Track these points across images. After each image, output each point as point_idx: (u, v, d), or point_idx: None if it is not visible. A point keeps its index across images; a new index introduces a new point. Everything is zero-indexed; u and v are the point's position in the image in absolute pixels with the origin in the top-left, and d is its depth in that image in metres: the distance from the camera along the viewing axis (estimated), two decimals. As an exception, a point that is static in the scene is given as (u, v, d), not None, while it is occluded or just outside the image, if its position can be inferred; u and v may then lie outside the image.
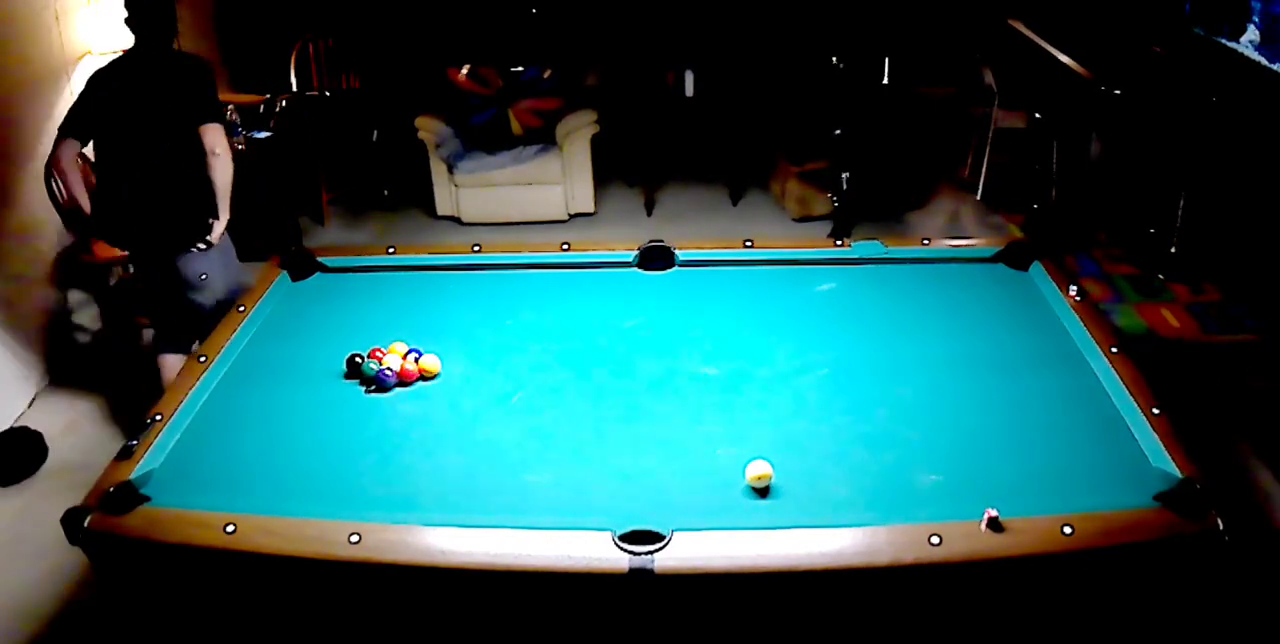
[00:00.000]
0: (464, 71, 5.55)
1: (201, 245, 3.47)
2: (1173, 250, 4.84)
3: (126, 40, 3.60)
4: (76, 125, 3.37)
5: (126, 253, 3.80)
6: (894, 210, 5.48)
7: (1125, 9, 5.52)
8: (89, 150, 3.48)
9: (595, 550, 2.06)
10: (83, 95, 3.42)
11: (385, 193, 5.87)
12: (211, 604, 2.33)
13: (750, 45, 5.99)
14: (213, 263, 3.53)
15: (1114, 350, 2.68)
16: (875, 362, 2.76)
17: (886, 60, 5.22)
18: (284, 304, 3.12)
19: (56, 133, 3.39)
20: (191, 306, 3.55)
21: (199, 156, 3.39)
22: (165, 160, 3.38)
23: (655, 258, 3.25)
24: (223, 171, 3.41)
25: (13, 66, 4.21)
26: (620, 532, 2.09)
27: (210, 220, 3.46)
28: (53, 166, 3.40)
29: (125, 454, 2.39)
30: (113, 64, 3.47)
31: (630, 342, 2.89)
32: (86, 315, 4.61)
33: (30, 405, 4.15)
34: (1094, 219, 5.25)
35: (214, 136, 3.38)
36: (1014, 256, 3.22)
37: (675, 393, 2.66)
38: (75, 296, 4.55)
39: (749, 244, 3.31)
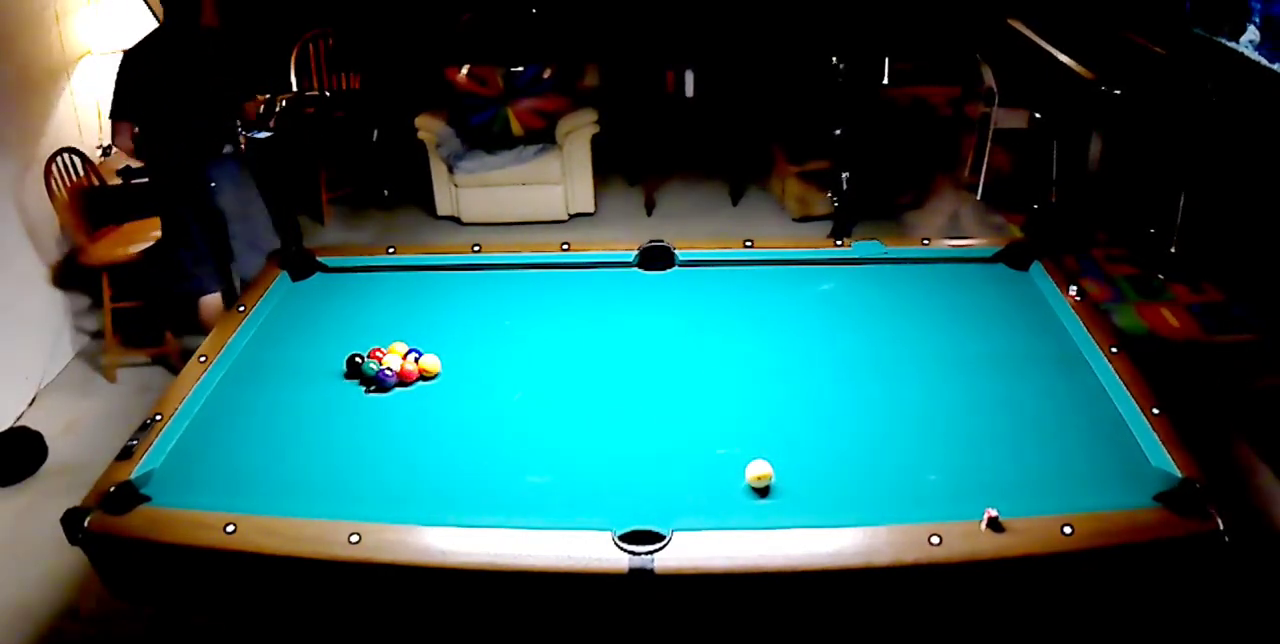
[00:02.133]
0: (464, 71, 5.55)
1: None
2: (1173, 250, 4.84)
3: (126, 39, 3.73)
4: (124, 108, 3.68)
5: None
6: (894, 210, 5.48)
7: (1125, 9, 5.52)
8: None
9: (595, 550, 2.06)
10: (121, 79, 3.67)
11: (385, 193, 5.87)
12: (211, 604, 2.33)
13: (750, 45, 5.99)
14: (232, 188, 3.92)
15: (1114, 350, 2.68)
16: (875, 361, 2.75)
17: (886, 60, 5.22)
18: (284, 304, 3.12)
19: (109, 118, 3.72)
20: (222, 241, 3.93)
21: (228, 112, 3.87)
22: (204, 124, 3.76)
23: (655, 258, 3.25)
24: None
25: (13, 66, 4.21)
26: (620, 532, 2.09)
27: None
28: (116, 149, 3.84)
29: (125, 454, 2.38)
30: (143, 44, 3.69)
31: (630, 341, 2.89)
32: (86, 316, 4.61)
33: (30, 405, 4.15)
34: (1094, 219, 5.25)
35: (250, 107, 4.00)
36: (1014, 256, 3.21)
37: (675, 393, 2.66)
38: (75, 297, 4.55)
39: (749, 244, 3.31)
